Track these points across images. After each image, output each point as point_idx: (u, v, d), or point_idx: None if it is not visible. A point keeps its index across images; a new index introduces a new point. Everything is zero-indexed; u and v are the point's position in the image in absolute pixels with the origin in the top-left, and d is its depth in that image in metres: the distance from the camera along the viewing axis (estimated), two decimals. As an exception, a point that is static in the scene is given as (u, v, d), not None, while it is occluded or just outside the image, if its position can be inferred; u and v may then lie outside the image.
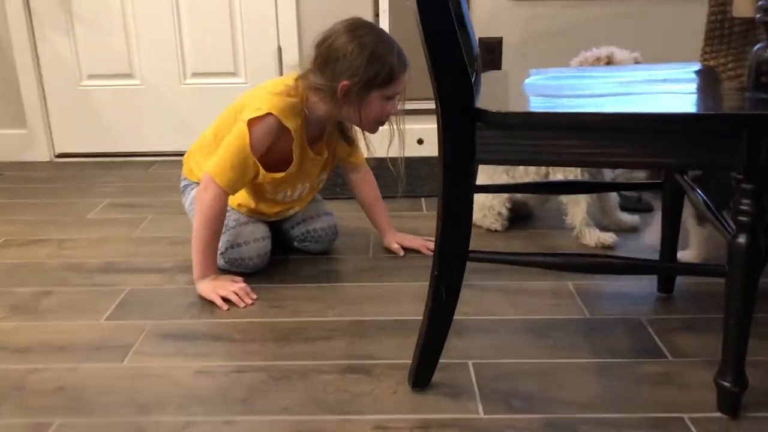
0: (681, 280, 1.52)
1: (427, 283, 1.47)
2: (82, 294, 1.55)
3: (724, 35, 1.86)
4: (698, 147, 0.94)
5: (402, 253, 1.74)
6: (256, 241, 1.61)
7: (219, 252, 1.57)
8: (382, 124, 1.57)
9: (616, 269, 1.09)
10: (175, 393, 1.18)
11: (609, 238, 1.74)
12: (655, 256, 1.50)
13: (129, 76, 2.56)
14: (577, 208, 1.77)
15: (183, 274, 1.63)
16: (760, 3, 1.25)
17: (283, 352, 1.30)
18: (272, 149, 1.53)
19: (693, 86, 1.23)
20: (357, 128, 1.65)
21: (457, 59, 0.98)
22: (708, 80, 1.25)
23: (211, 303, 1.48)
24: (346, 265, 1.67)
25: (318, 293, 1.53)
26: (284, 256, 1.70)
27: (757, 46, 1.31)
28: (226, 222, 1.57)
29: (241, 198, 1.64)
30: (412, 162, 2.49)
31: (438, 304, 1.10)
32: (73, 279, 1.62)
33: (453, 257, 1.07)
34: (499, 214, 1.85)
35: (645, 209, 2.00)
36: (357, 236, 1.84)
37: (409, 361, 1.24)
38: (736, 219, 0.98)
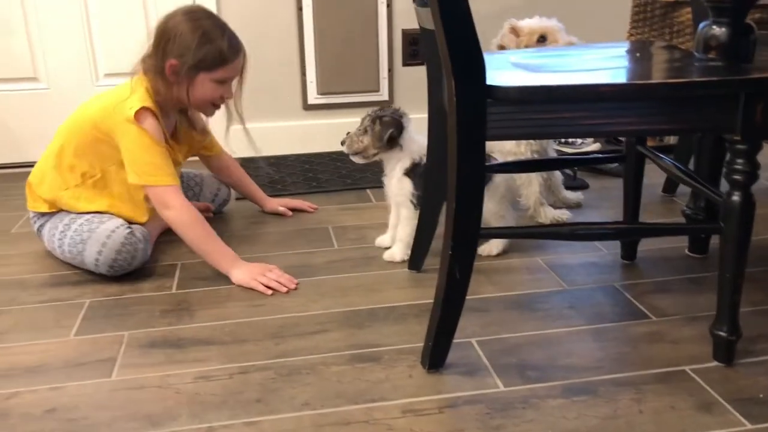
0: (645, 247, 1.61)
1: (399, 271, 1.49)
2: (37, 311, 1.42)
3: (647, 17, 2.00)
4: (702, 112, 1.00)
5: (291, 213, 1.90)
6: (117, 230, 1.51)
7: (93, 263, 1.51)
8: (217, 107, 1.64)
9: (639, 233, 1.15)
10: (182, 401, 1.11)
11: (563, 214, 1.81)
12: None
13: (34, 79, 2.37)
14: (530, 188, 1.82)
15: (144, 281, 1.53)
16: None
17: (282, 349, 1.26)
18: None
19: (655, 59, 1.31)
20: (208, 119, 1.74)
21: (471, 37, 0.99)
22: (656, 53, 1.33)
23: (183, 309, 1.41)
24: (315, 259, 1.64)
25: (297, 289, 1.49)
26: (250, 255, 1.64)
27: (703, 24, 1.43)
28: (76, 232, 1.54)
29: (100, 206, 1.59)
30: (345, 155, 2.47)
31: (452, 285, 1.11)
32: (21, 297, 1.48)
33: (467, 235, 1.08)
34: None
35: (581, 186, 2.10)
36: (317, 230, 1.81)
37: (413, 345, 1.25)
38: (731, 178, 1.06)
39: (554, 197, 1.93)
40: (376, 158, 1.61)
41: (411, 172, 1.56)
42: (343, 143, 1.61)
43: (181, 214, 1.50)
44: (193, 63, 1.51)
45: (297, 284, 1.50)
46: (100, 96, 1.63)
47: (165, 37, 1.53)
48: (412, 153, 1.57)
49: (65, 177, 1.60)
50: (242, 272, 1.50)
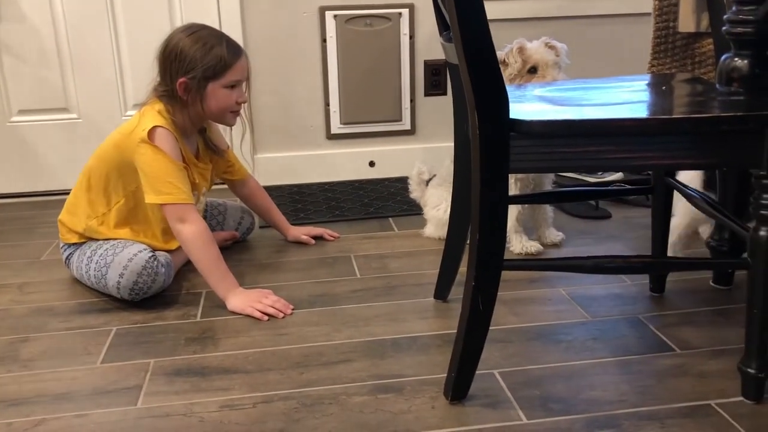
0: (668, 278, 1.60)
1: (423, 300, 1.49)
2: (64, 338, 1.44)
3: (669, 48, 2.00)
4: (726, 146, 1.01)
5: (313, 242, 1.92)
6: (139, 253, 1.54)
7: (116, 287, 1.53)
8: (236, 113, 1.65)
9: (667, 267, 1.19)
10: (206, 430, 1.12)
11: (532, 247, 1.80)
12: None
13: (65, 110, 2.43)
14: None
15: (170, 309, 1.55)
16: (725, 16, 1.36)
17: (306, 379, 1.26)
18: None
19: (678, 92, 1.31)
20: (230, 144, 1.78)
21: (494, 72, 1.00)
22: (679, 86, 1.34)
23: (208, 337, 1.43)
24: (337, 288, 1.65)
25: (319, 318, 1.50)
26: (272, 284, 1.65)
27: (725, 56, 1.43)
28: (101, 257, 1.57)
29: (125, 234, 1.63)
30: (366, 184, 2.51)
31: (475, 316, 1.11)
32: (50, 324, 1.51)
33: (490, 267, 1.09)
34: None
35: (602, 216, 2.10)
36: (339, 259, 1.82)
37: (435, 376, 1.25)
38: (758, 213, 1.05)
39: (538, 231, 1.88)
40: None
41: None
42: None
43: (195, 231, 1.52)
44: (201, 76, 1.54)
45: (293, 309, 1.52)
46: (124, 123, 1.67)
47: (168, 60, 1.56)
48: None
49: (93, 205, 1.64)
50: (238, 299, 1.52)
